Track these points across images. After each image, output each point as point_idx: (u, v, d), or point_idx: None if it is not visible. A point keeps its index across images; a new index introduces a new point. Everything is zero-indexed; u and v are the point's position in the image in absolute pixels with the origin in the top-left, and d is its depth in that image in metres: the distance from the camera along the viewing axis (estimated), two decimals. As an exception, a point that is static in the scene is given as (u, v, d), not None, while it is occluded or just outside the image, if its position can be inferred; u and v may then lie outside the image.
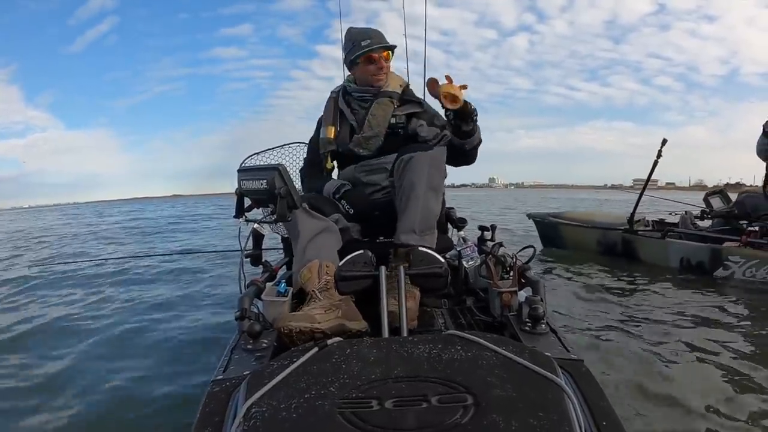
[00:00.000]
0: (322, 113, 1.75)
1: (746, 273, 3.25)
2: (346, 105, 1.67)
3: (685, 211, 4.04)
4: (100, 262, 5.38)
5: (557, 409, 0.68)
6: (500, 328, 1.22)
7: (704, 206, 3.88)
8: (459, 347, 0.84)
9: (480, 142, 1.44)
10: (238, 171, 1.61)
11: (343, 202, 1.50)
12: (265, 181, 1.45)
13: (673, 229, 3.96)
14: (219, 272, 4.51)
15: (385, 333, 1.10)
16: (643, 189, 4.12)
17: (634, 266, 3.97)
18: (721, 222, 3.71)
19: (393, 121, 1.60)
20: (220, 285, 3.87)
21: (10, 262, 5.94)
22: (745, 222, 3.47)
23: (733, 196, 3.76)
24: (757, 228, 3.34)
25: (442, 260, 1.20)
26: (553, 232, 5.01)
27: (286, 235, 1.97)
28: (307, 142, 1.94)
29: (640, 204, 4.23)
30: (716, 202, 3.90)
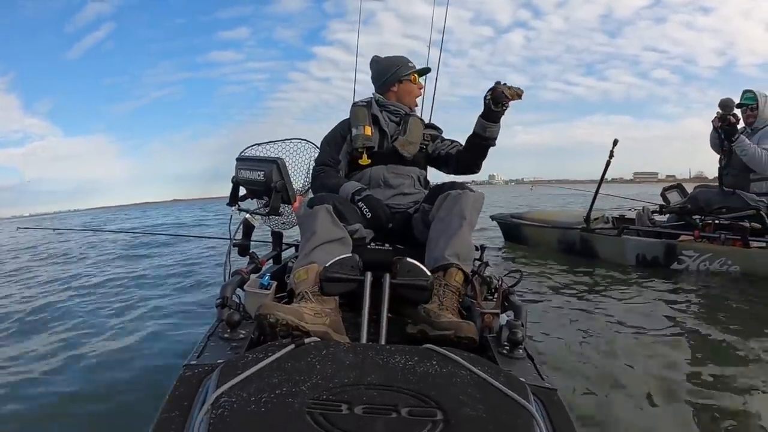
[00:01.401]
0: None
1: (700, 266, 3.30)
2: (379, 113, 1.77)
3: (643, 207, 4.06)
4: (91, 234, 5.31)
5: (525, 434, 0.68)
6: (479, 348, 1.22)
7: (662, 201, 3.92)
8: (435, 362, 0.84)
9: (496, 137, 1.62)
10: (237, 159, 1.61)
11: (361, 204, 1.51)
12: (262, 173, 1.45)
13: (629, 226, 3.97)
14: (207, 256, 4.49)
15: (363, 339, 1.10)
16: (598, 188, 4.16)
17: (594, 262, 3.96)
18: (677, 217, 3.74)
19: (422, 138, 1.77)
20: (206, 271, 3.85)
21: None
22: (698, 216, 3.51)
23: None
24: (710, 221, 3.39)
25: (429, 273, 1.20)
26: (515, 233, 5.02)
27: (277, 229, 1.96)
28: (308, 140, 1.95)
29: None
30: (674, 197, 3.92)
